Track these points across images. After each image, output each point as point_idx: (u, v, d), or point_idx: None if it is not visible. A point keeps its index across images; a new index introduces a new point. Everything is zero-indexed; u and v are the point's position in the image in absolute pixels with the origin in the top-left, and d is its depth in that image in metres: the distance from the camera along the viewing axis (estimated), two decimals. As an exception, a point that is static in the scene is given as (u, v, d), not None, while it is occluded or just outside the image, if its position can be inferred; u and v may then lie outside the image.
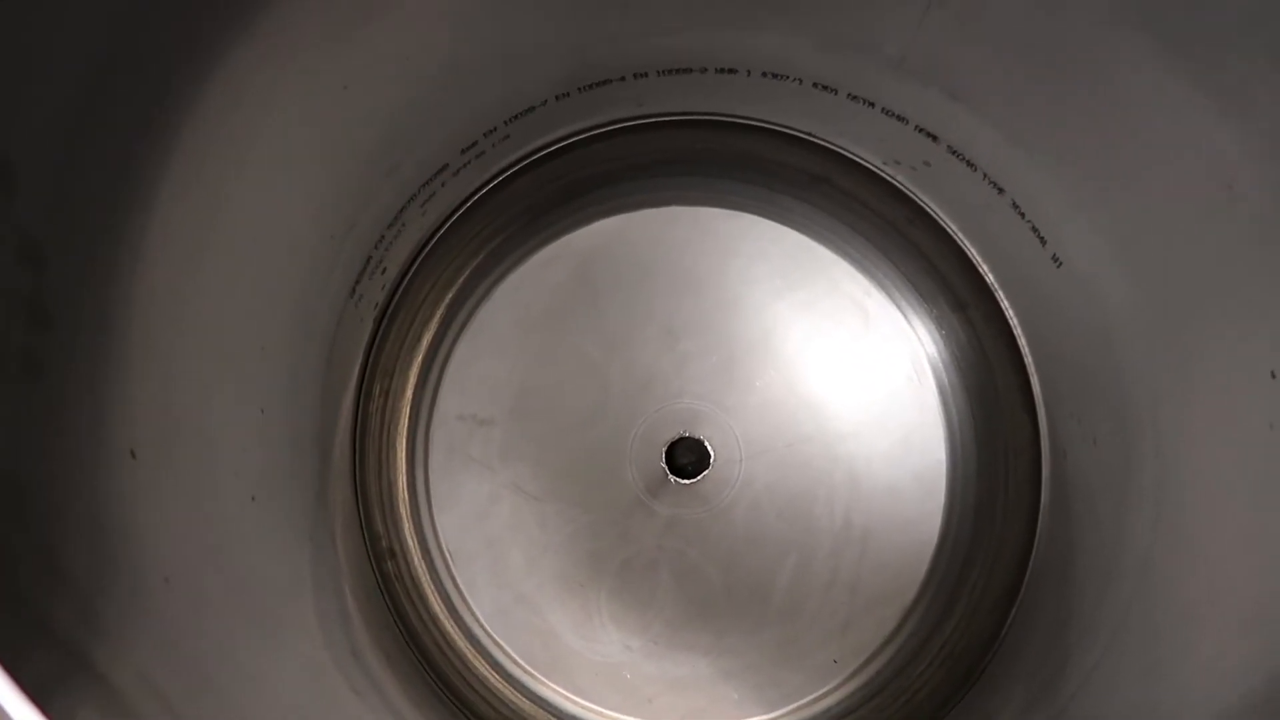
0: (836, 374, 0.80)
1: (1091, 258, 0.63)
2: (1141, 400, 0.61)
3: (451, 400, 0.81)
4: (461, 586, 0.80)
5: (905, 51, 0.64)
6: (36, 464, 0.38)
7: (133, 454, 0.44)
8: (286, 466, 0.64)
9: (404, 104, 0.64)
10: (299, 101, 0.55)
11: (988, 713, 0.74)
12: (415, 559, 0.81)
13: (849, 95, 0.72)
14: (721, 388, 0.80)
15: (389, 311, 0.81)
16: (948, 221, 0.81)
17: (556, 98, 0.74)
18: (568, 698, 0.80)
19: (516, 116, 0.74)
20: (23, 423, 0.38)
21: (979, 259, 0.80)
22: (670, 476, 0.79)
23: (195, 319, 0.51)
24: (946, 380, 0.81)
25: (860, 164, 0.81)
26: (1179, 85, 0.49)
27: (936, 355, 0.81)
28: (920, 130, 0.71)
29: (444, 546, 0.80)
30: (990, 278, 0.80)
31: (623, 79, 0.74)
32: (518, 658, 0.80)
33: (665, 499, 0.80)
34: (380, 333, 0.81)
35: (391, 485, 0.81)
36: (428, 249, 0.82)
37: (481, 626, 0.80)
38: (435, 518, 0.81)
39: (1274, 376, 0.47)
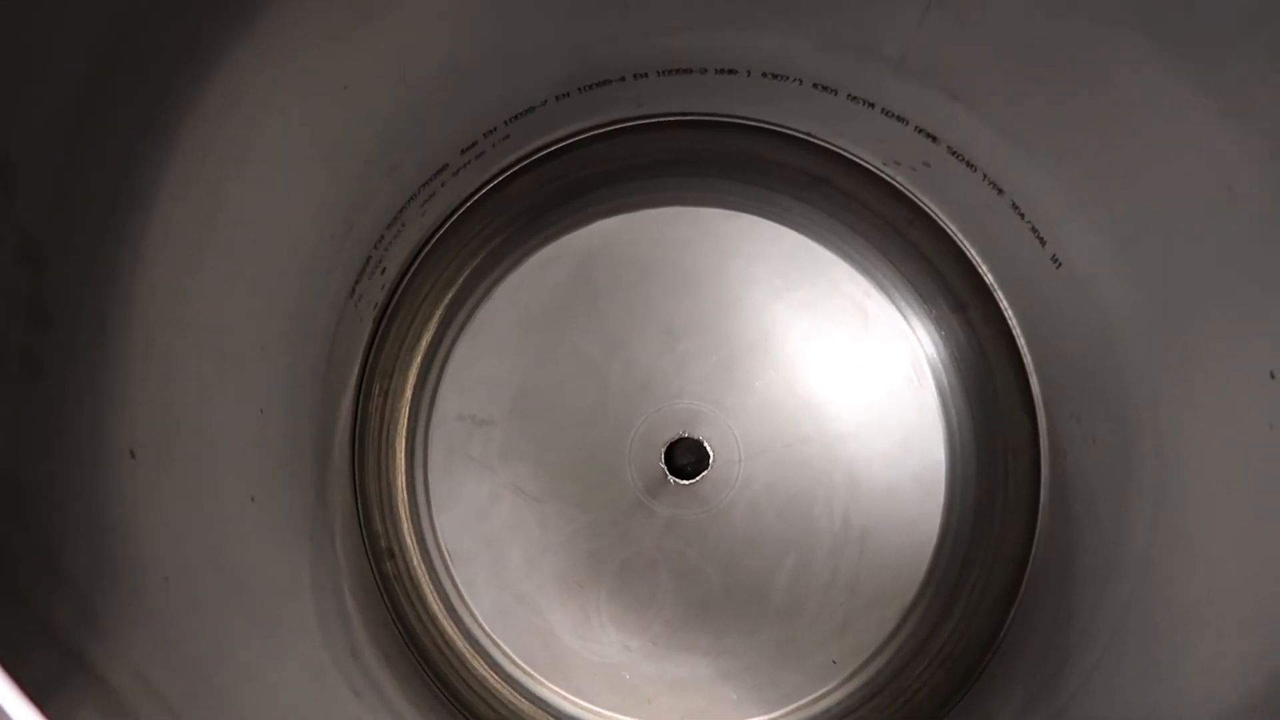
0: (836, 374, 0.80)
1: (1091, 258, 0.64)
2: (1141, 400, 0.61)
3: (451, 400, 0.81)
4: (461, 587, 0.80)
5: (905, 52, 0.64)
6: (36, 464, 0.38)
7: (132, 454, 0.44)
8: (286, 467, 0.64)
9: (404, 104, 0.64)
10: (299, 101, 0.55)
11: (987, 713, 0.74)
12: (414, 559, 0.81)
13: (849, 96, 0.72)
14: (721, 388, 0.80)
15: (389, 311, 0.81)
16: (947, 222, 0.81)
17: (556, 98, 0.74)
18: (567, 698, 0.79)
19: (516, 116, 0.74)
20: (22, 423, 0.38)
21: (978, 259, 0.80)
22: (669, 477, 0.79)
23: (195, 319, 0.51)
24: (946, 381, 0.81)
25: (860, 164, 0.81)
26: (1179, 85, 0.49)
27: (936, 356, 0.81)
28: (920, 131, 0.71)
29: (443, 547, 0.80)
30: (990, 278, 0.80)
31: (623, 79, 0.74)
32: (517, 658, 0.80)
33: (664, 499, 0.80)
34: (380, 333, 0.81)
35: (391, 485, 0.81)
36: (427, 249, 0.82)
37: (481, 627, 0.80)
38: (434, 518, 0.81)
39: (1273, 377, 0.47)
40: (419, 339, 0.82)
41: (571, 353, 0.80)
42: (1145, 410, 0.61)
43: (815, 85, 0.72)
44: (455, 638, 0.80)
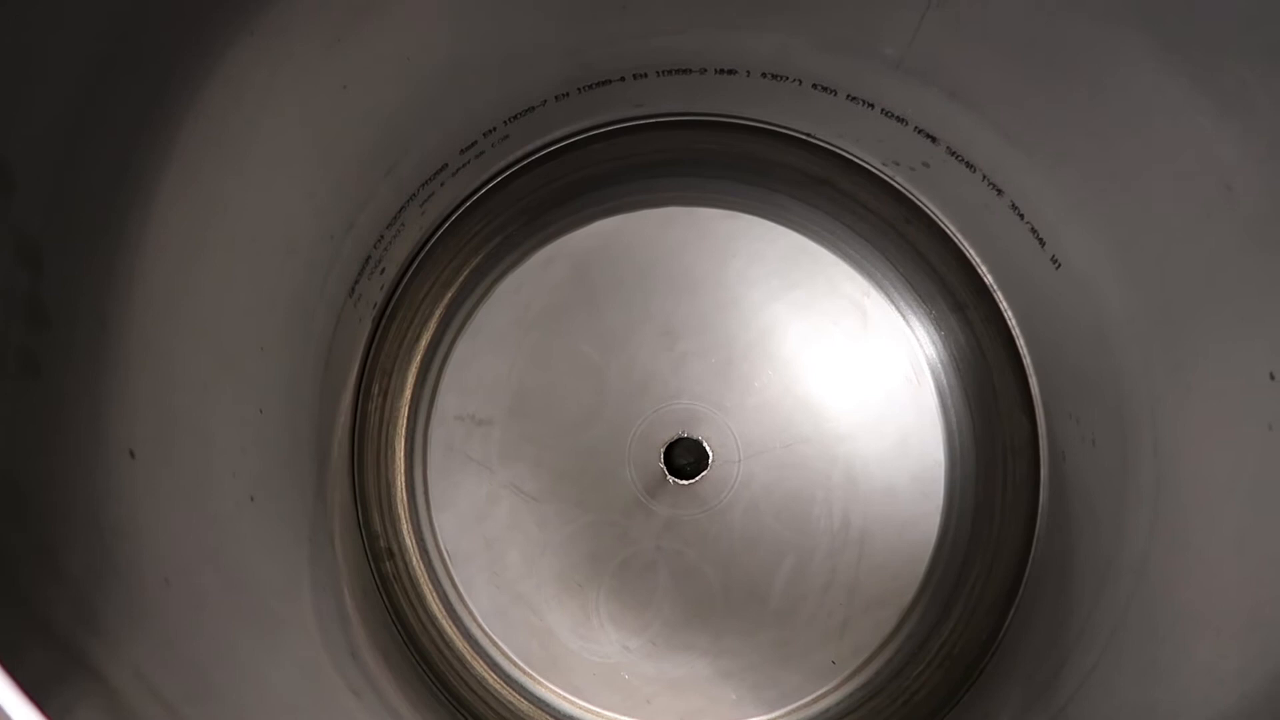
0: (835, 375, 0.80)
1: (1091, 259, 0.64)
2: (1140, 401, 0.61)
3: (450, 400, 0.81)
4: (460, 586, 0.80)
5: (904, 53, 0.64)
6: (35, 463, 0.38)
7: (131, 454, 0.44)
8: (285, 466, 0.63)
9: (403, 104, 0.64)
10: (298, 101, 0.55)
11: (986, 714, 0.74)
12: (413, 559, 0.81)
13: (848, 96, 0.72)
14: (720, 388, 0.80)
15: (388, 311, 0.81)
16: (947, 222, 0.81)
17: (556, 98, 0.74)
18: (566, 698, 0.79)
19: (516, 117, 0.74)
20: (21, 422, 0.38)
21: (978, 260, 0.80)
22: (669, 477, 0.79)
23: (194, 318, 0.51)
24: (945, 381, 0.81)
25: (859, 165, 0.81)
26: (1178, 86, 0.49)
27: (935, 356, 0.81)
28: (919, 131, 0.71)
29: (442, 546, 0.80)
30: (989, 279, 0.80)
31: (622, 79, 0.74)
32: (516, 658, 0.80)
33: (663, 499, 0.80)
34: (379, 332, 0.81)
35: (390, 485, 0.81)
36: (427, 249, 0.82)
37: (480, 626, 0.80)
38: (434, 518, 0.81)
39: (1273, 378, 0.47)
40: (418, 338, 0.82)
41: (571, 352, 0.80)
42: (1144, 411, 0.61)
43: (815, 86, 0.72)
44: (454, 637, 0.80)
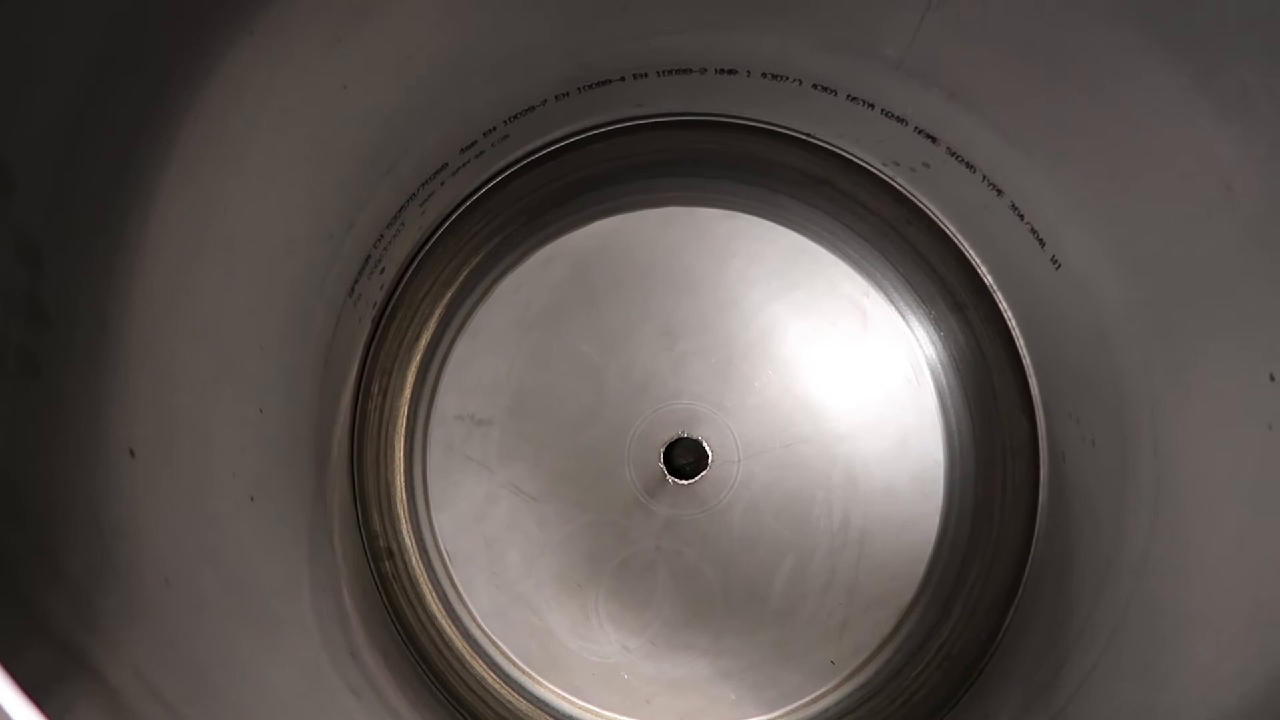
0: (834, 375, 0.80)
1: (1090, 259, 0.64)
2: (1140, 401, 0.61)
3: (450, 400, 0.81)
4: (459, 586, 0.80)
5: (905, 53, 0.64)
6: (35, 463, 0.38)
7: (131, 453, 0.44)
8: (285, 466, 0.63)
9: (403, 104, 0.64)
10: (298, 101, 0.55)
11: (985, 714, 0.74)
12: (413, 559, 0.81)
13: (848, 96, 0.72)
14: (719, 388, 0.80)
15: (388, 310, 0.81)
16: (946, 223, 0.81)
17: (556, 98, 0.74)
18: (565, 698, 0.79)
19: (516, 116, 0.74)
20: (21, 422, 0.38)
21: (978, 260, 0.80)
22: (668, 477, 0.79)
23: (193, 318, 0.51)
24: (945, 381, 0.81)
25: (859, 165, 0.81)
26: (1178, 87, 0.49)
27: (935, 356, 0.81)
28: (919, 132, 0.71)
29: (442, 546, 0.80)
30: (989, 279, 0.80)
31: (622, 79, 0.74)
32: (515, 658, 0.80)
33: (663, 499, 0.80)
34: (379, 332, 0.81)
35: (389, 485, 0.81)
36: (427, 248, 0.82)
37: (479, 626, 0.80)
38: (433, 517, 0.81)
39: (1273, 379, 0.47)
40: (418, 338, 0.82)
41: (570, 352, 0.80)
42: (1144, 411, 0.61)
43: (815, 86, 0.72)
44: (454, 637, 0.80)
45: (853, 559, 0.79)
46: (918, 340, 0.81)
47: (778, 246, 0.81)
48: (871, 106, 0.72)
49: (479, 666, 0.80)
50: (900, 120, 0.72)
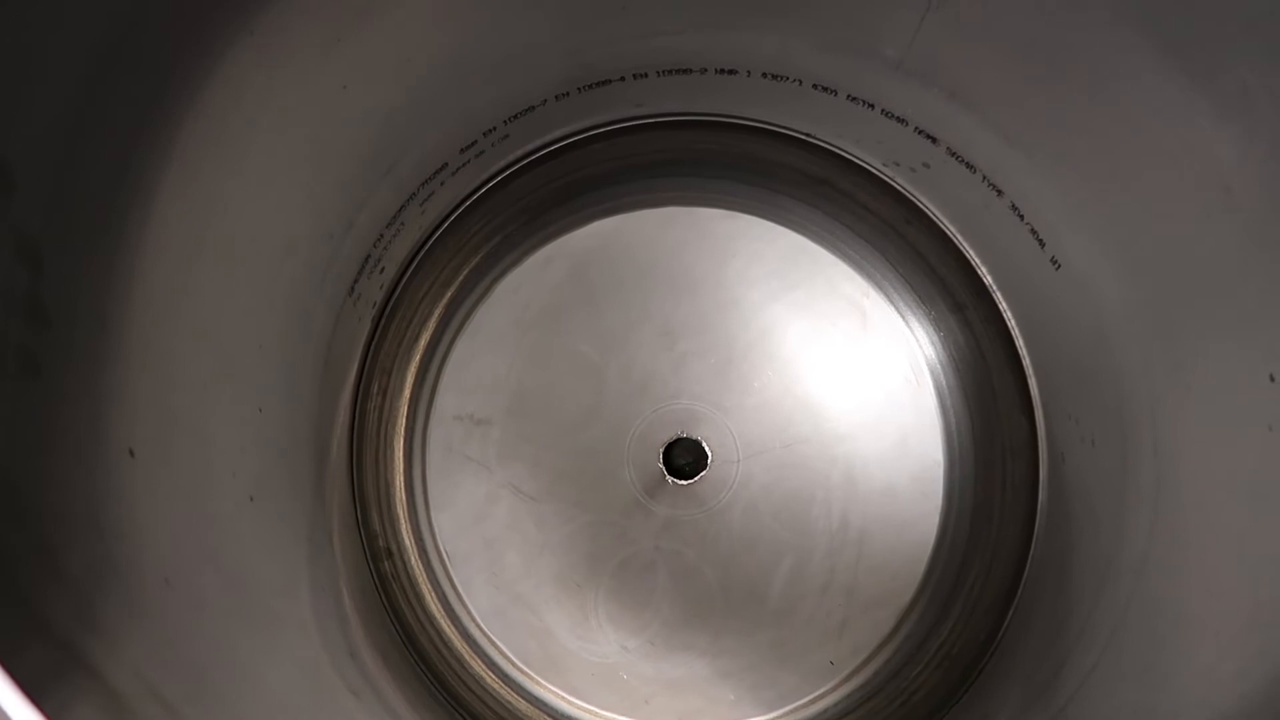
0: (834, 375, 0.80)
1: (1090, 259, 0.64)
2: (1140, 402, 0.61)
3: (449, 399, 0.81)
4: (458, 586, 0.80)
5: (905, 53, 0.64)
6: (35, 463, 0.38)
7: (131, 453, 0.44)
8: (284, 466, 0.63)
9: (403, 104, 0.64)
10: (297, 101, 0.55)
11: (985, 714, 0.74)
12: (412, 559, 0.81)
13: (849, 97, 0.72)
14: (719, 388, 0.80)
15: (387, 310, 0.81)
16: (946, 223, 0.81)
17: (556, 98, 0.74)
18: (564, 698, 0.79)
19: (516, 116, 0.74)
20: (21, 422, 0.38)
21: (978, 261, 0.80)
22: (668, 477, 0.79)
23: (193, 318, 0.51)
24: (944, 381, 0.81)
25: (859, 165, 0.81)
26: (1178, 87, 0.49)
27: (934, 356, 0.81)
28: (920, 132, 0.71)
29: (441, 546, 0.80)
30: (989, 279, 0.80)
31: (622, 79, 0.74)
32: (514, 658, 0.80)
33: (663, 499, 0.80)
34: (378, 331, 0.81)
35: (389, 485, 0.81)
36: (426, 248, 0.82)
37: (478, 626, 0.80)
38: (432, 517, 0.81)
39: (1273, 380, 0.47)
40: (417, 338, 0.82)
41: (570, 352, 0.80)
42: (1144, 412, 0.61)
43: (815, 86, 0.72)
44: (453, 637, 0.80)
45: (852, 559, 0.79)
46: (917, 340, 0.81)
47: (778, 246, 0.81)
48: (871, 107, 0.72)
49: (478, 666, 0.80)
50: (900, 120, 0.72)
